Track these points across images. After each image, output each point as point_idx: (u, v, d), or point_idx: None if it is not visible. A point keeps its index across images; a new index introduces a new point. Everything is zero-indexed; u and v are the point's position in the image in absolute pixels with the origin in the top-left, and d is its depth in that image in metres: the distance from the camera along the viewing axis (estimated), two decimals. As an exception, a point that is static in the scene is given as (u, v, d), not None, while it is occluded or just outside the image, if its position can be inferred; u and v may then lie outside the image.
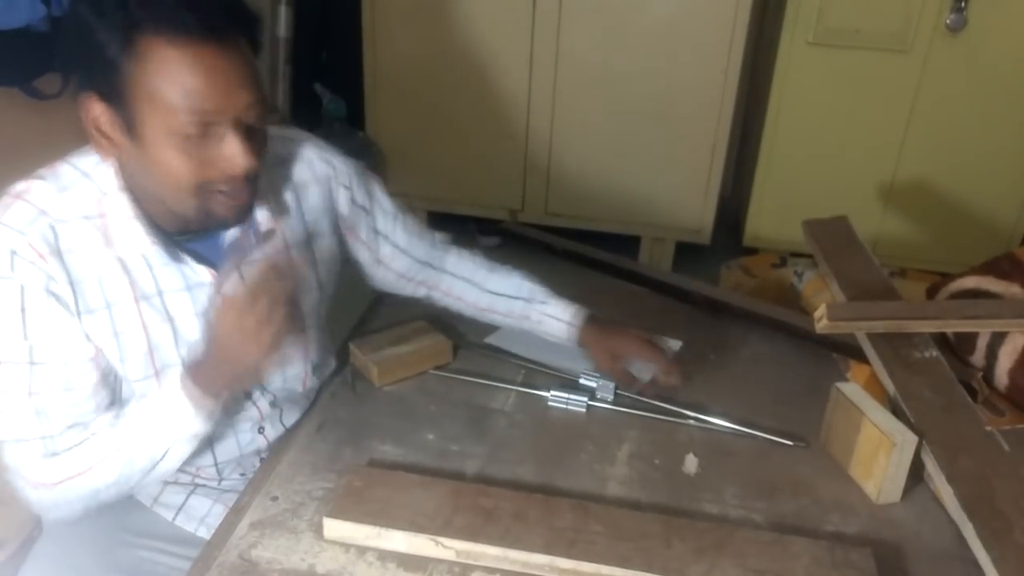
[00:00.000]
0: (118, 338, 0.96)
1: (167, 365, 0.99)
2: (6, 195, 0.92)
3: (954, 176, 2.72)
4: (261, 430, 1.13)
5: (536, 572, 0.92)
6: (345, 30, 3.10)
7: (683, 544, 0.94)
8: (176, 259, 0.96)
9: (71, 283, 0.91)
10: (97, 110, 0.87)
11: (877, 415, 1.08)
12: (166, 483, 1.12)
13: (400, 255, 1.26)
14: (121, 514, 1.10)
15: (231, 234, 0.99)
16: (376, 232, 1.22)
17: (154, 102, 0.84)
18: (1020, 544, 0.96)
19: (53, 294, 0.90)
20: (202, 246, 0.99)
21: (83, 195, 0.93)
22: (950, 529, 1.03)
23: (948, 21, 2.49)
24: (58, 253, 0.90)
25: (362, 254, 1.23)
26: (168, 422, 0.95)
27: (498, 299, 1.31)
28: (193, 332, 0.99)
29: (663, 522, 0.98)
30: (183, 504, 1.13)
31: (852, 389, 1.15)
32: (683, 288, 1.59)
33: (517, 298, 1.31)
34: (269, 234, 1.01)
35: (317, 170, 1.10)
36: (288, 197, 1.07)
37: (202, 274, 0.98)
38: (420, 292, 1.32)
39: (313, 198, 1.09)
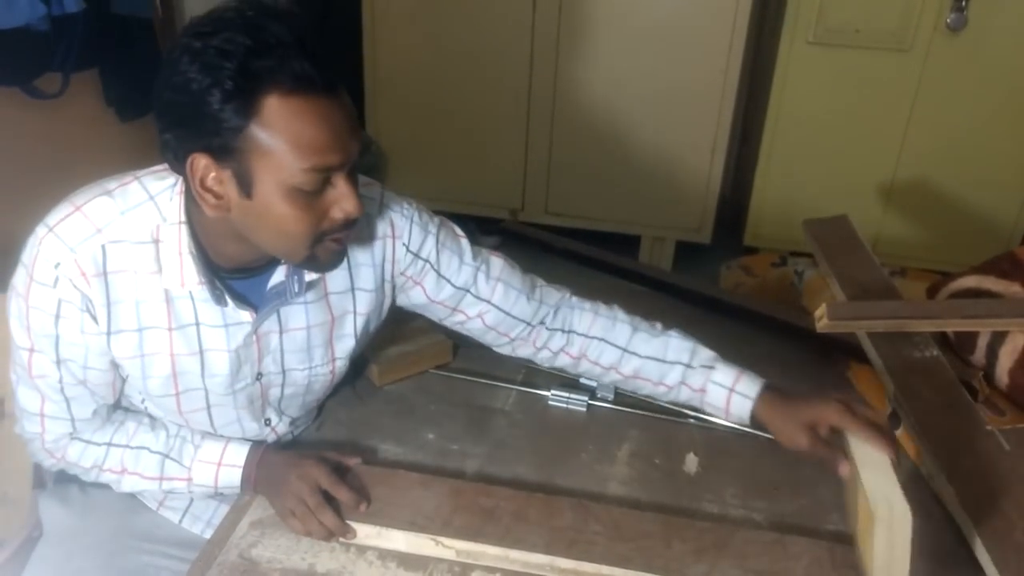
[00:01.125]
0: (143, 359, 0.97)
1: (189, 389, 1.01)
2: (69, 202, 0.92)
3: (954, 176, 2.72)
4: (279, 438, 1.14)
5: (536, 572, 0.92)
6: (345, 30, 3.10)
7: (683, 544, 0.94)
8: (219, 302, 0.95)
9: (107, 304, 0.92)
10: (204, 167, 0.84)
11: (873, 476, 0.85)
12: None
13: (492, 310, 1.12)
14: (125, 518, 1.10)
15: (276, 278, 0.98)
16: (451, 286, 1.10)
17: (274, 160, 0.82)
18: (1020, 544, 0.96)
19: (89, 312, 0.92)
20: (246, 286, 0.99)
21: (143, 220, 0.92)
22: (950, 529, 1.03)
23: (948, 21, 2.49)
24: (102, 275, 0.91)
25: (437, 311, 1.13)
26: (207, 473, 1.01)
27: (648, 363, 1.13)
28: (221, 366, 1.00)
29: (663, 522, 0.98)
30: (188, 506, 1.13)
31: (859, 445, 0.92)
32: (683, 288, 1.59)
33: (676, 363, 1.11)
34: (312, 283, 1.00)
35: (376, 230, 1.05)
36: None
37: (242, 316, 0.97)
38: (543, 357, 1.18)
39: (362, 253, 1.05)
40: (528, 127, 2.91)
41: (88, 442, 1.02)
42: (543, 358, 1.18)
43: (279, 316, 1.01)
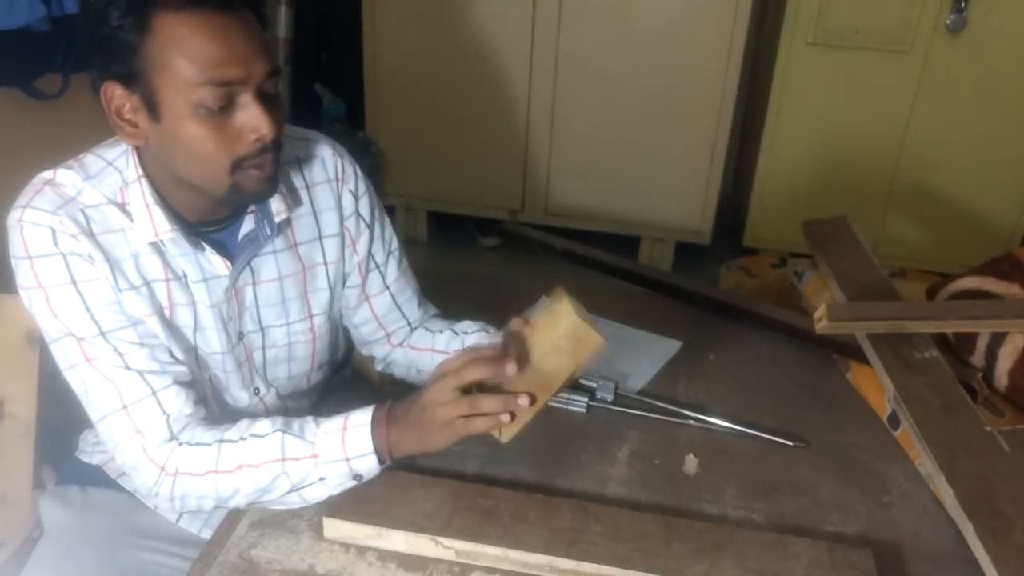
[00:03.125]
0: (159, 315, 0.96)
1: (188, 348, 1.00)
2: (34, 182, 0.93)
3: (954, 176, 2.72)
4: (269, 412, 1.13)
5: (536, 572, 0.92)
6: (345, 30, 3.10)
7: (683, 545, 0.94)
8: (196, 247, 0.96)
9: (108, 261, 0.92)
10: (118, 96, 0.87)
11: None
12: None
13: (384, 295, 1.15)
14: (124, 515, 1.10)
15: (246, 227, 1.00)
16: (370, 255, 1.13)
17: (174, 78, 0.84)
18: (1020, 544, 0.96)
19: (91, 263, 0.91)
20: (216, 239, 1.00)
21: (108, 183, 0.94)
22: (950, 529, 1.03)
23: (948, 21, 2.49)
24: (91, 235, 0.91)
25: (351, 277, 1.13)
26: (334, 442, 0.92)
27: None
28: (208, 319, 1.00)
29: (662, 522, 0.98)
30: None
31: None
32: (683, 288, 1.59)
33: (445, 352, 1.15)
34: (283, 225, 1.02)
35: (329, 170, 1.09)
36: (302, 194, 1.07)
37: (218, 265, 0.98)
38: (382, 351, 1.19)
39: (324, 197, 1.08)
40: (528, 127, 2.91)
41: (197, 444, 0.94)
42: (390, 359, 1.20)
43: (251, 268, 1.02)
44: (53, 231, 0.89)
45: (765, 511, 1.05)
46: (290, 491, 0.94)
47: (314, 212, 1.07)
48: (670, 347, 1.41)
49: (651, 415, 1.22)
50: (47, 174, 0.94)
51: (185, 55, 0.83)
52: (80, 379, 0.93)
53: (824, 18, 2.57)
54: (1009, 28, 2.48)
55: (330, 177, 1.09)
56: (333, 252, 1.09)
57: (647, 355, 1.38)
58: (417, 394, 0.94)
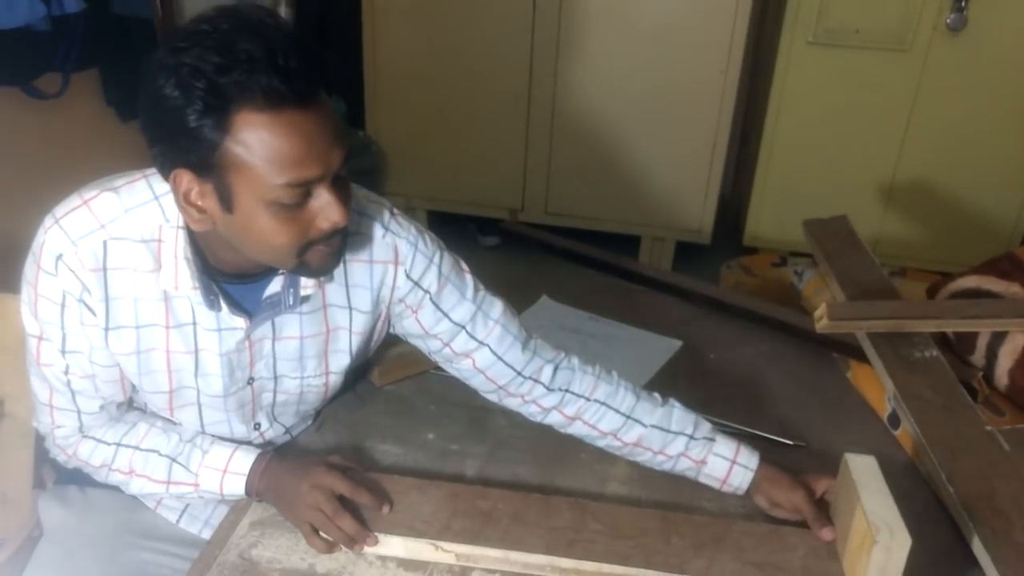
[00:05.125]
0: (139, 356, 0.97)
1: (183, 386, 1.01)
2: (77, 195, 0.93)
3: (954, 176, 2.72)
4: (269, 442, 1.14)
5: (537, 572, 0.92)
6: (345, 30, 3.10)
7: (682, 540, 0.95)
8: (213, 308, 0.96)
9: (106, 299, 0.93)
10: (187, 182, 0.84)
11: (873, 500, 0.89)
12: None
13: (482, 349, 1.07)
14: (124, 516, 1.10)
15: (272, 288, 0.98)
16: (449, 320, 1.06)
17: (252, 178, 0.82)
18: (1020, 544, 0.96)
19: (84, 303, 0.93)
20: (242, 291, 0.99)
21: (146, 218, 0.92)
22: (950, 529, 1.03)
23: (948, 21, 2.49)
24: (102, 270, 0.92)
25: (431, 343, 1.09)
26: (213, 480, 1.00)
27: (652, 432, 1.08)
28: (214, 367, 1.00)
29: (660, 518, 0.98)
30: (186, 506, 1.13)
31: (863, 463, 0.95)
32: (683, 288, 1.59)
33: (680, 434, 1.08)
34: (307, 298, 1.00)
35: (375, 254, 1.03)
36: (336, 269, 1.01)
37: (236, 321, 0.98)
38: (531, 411, 1.12)
39: (360, 274, 1.04)
40: (528, 127, 2.91)
41: (99, 441, 1.03)
42: (531, 412, 1.12)
43: (273, 324, 1.01)
44: (60, 257, 0.90)
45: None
46: (170, 498, 1.07)
47: (346, 285, 1.04)
48: (670, 347, 1.41)
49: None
50: (91, 191, 0.92)
51: (264, 157, 0.81)
52: (31, 367, 1.00)
53: (824, 17, 2.57)
54: (1009, 28, 2.48)
55: (373, 258, 1.03)
56: (359, 324, 1.06)
57: (647, 355, 1.38)
58: (304, 463, 1.00)
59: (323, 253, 0.90)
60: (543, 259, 1.80)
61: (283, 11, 3.24)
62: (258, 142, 0.80)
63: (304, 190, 0.84)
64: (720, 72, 2.69)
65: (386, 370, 1.25)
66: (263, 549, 0.94)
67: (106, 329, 0.94)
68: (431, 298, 1.05)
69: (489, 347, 1.07)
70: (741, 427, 1.19)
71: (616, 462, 1.13)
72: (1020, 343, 1.25)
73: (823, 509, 1.00)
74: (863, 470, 0.94)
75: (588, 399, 1.10)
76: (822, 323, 1.22)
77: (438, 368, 1.29)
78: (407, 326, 1.09)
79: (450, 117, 2.95)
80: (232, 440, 1.07)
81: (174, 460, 1.01)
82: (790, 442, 1.17)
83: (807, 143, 2.76)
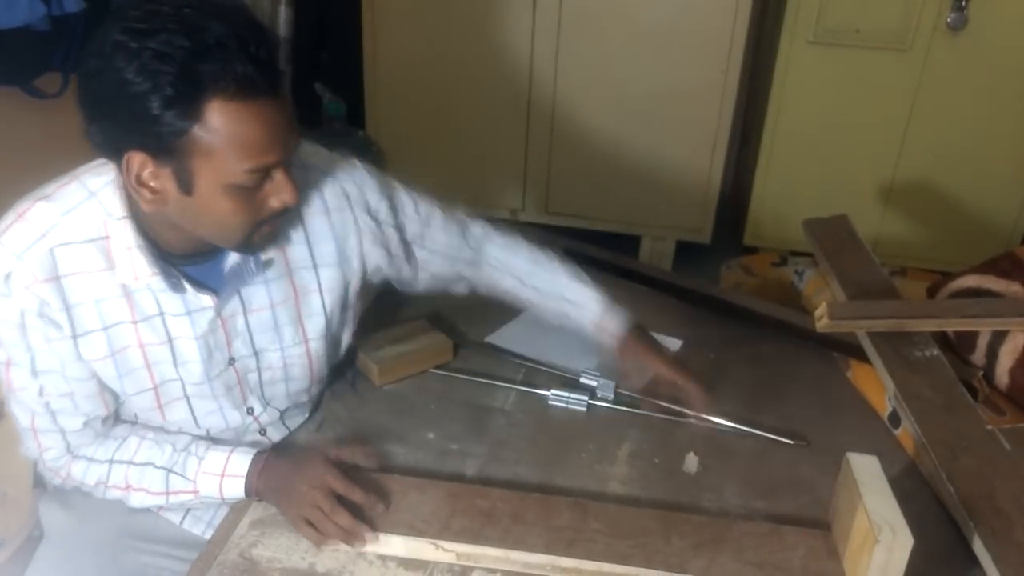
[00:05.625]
0: (115, 357, 0.96)
1: (166, 380, 1.00)
2: (12, 210, 0.91)
3: (954, 176, 2.72)
4: (263, 432, 1.13)
5: (537, 572, 0.92)
6: (345, 30, 3.09)
7: (681, 540, 0.95)
8: (177, 290, 0.95)
9: (66, 308, 0.92)
10: (140, 164, 0.84)
11: (875, 500, 0.90)
12: None
13: (436, 257, 1.19)
14: (125, 519, 1.09)
15: (232, 261, 0.98)
16: (406, 243, 1.16)
17: (217, 163, 0.83)
18: (1020, 544, 0.96)
19: (46, 317, 0.91)
20: (202, 271, 0.98)
21: (87, 218, 0.91)
22: (950, 529, 1.03)
23: (948, 20, 2.49)
24: (55, 279, 0.90)
25: (402, 270, 1.18)
26: (212, 485, 1.00)
27: (539, 295, 1.23)
28: (191, 353, 0.99)
29: (660, 518, 0.98)
30: (189, 508, 1.13)
31: (865, 463, 0.96)
32: (683, 287, 1.59)
33: (563, 299, 1.22)
34: (268, 263, 1.01)
35: (329, 203, 1.05)
36: (294, 223, 1.04)
37: (204, 301, 0.97)
38: (460, 288, 1.25)
39: (320, 227, 1.05)
40: (528, 127, 2.90)
41: (90, 459, 1.02)
42: (475, 290, 1.25)
43: (241, 297, 1.01)
44: (8, 276, 0.89)
45: (765, 509, 1.05)
46: (168, 506, 1.05)
47: (308, 242, 1.05)
48: (670, 346, 1.41)
49: (652, 414, 1.22)
50: (24, 204, 0.91)
51: (231, 144, 0.82)
52: (7, 395, 0.98)
53: (824, 17, 2.57)
54: (1009, 28, 2.48)
55: (328, 208, 1.05)
56: (329, 282, 1.07)
57: (647, 354, 1.38)
58: (302, 457, 1.00)
59: (267, 233, 0.93)
60: (543, 259, 1.79)
61: (283, 11, 3.25)
62: (227, 130, 0.81)
63: (264, 174, 0.86)
64: (720, 72, 2.69)
65: (387, 369, 1.25)
66: (263, 549, 0.94)
67: (74, 338, 0.93)
68: (389, 224, 1.12)
69: (439, 252, 1.19)
70: (741, 427, 1.19)
71: (616, 462, 1.13)
72: (1020, 342, 1.25)
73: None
74: (865, 470, 0.94)
75: (496, 268, 1.24)
76: (822, 323, 1.22)
77: (438, 367, 1.29)
78: (377, 258, 1.12)
79: (450, 117, 2.95)
80: (228, 429, 1.07)
81: (170, 470, 1.01)
82: (790, 442, 1.17)
83: (807, 143, 2.76)
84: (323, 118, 2.99)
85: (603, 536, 0.94)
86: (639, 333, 1.18)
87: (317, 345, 1.09)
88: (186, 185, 0.85)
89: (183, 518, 1.13)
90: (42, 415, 0.98)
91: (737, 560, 0.92)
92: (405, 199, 1.16)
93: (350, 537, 0.94)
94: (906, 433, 1.18)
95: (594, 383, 1.26)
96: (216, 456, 1.01)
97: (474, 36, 2.80)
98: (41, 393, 0.96)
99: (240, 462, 1.00)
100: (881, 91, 2.64)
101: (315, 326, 1.08)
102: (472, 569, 0.93)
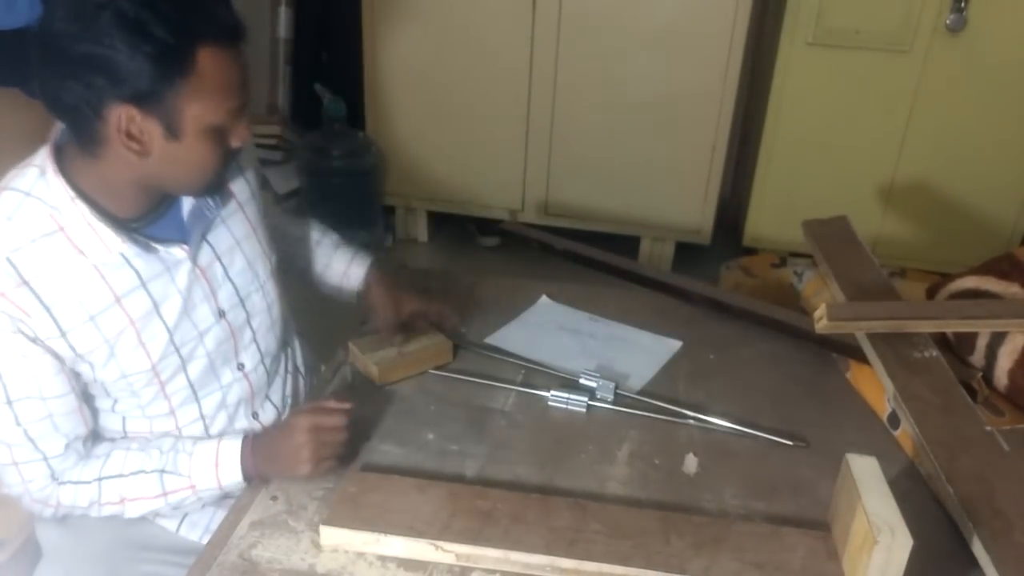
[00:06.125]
0: (108, 343, 0.96)
1: (165, 355, 1.01)
2: None
3: (954, 176, 2.72)
4: (255, 416, 1.15)
5: (537, 572, 0.92)
6: (345, 30, 3.10)
7: (681, 540, 0.95)
8: (148, 250, 0.97)
9: (46, 308, 0.91)
10: (127, 118, 0.87)
11: (875, 501, 0.90)
12: None
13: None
14: (122, 530, 1.09)
15: (188, 206, 1.02)
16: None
17: (205, 107, 0.88)
18: (1020, 544, 0.96)
19: (22, 332, 0.90)
20: (164, 226, 1.00)
21: (31, 217, 0.91)
22: (950, 529, 1.03)
23: (948, 21, 2.49)
24: (23, 284, 0.89)
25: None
26: (208, 475, 1.01)
27: (307, 240, 1.34)
28: (179, 311, 1.01)
29: (660, 518, 0.98)
30: (185, 514, 1.13)
31: (864, 463, 0.96)
32: (683, 288, 1.59)
33: (320, 263, 1.33)
34: (227, 197, 1.06)
35: None
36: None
37: (177, 253, 1.00)
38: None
39: (245, 154, 1.10)
40: (528, 127, 2.91)
41: (77, 483, 1.01)
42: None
43: (209, 243, 1.04)
44: None
45: (765, 510, 1.05)
46: (168, 510, 1.06)
47: (242, 173, 1.12)
48: (670, 347, 1.41)
49: (651, 415, 1.22)
50: None
51: (218, 87, 0.89)
52: None
53: (824, 18, 2.57)
54: (1009, 28, 2.48)
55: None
56: (261, 203, 1.16)
57: (647, 355, 1.38)
58: (280, 424, 1.08)
59: (223, 174, 1.00)
60: (543, 259, 1.79)
61: (283, 11, 3.25)
62: (216, 73, 0.87)
63: (238, 113, 0.93)
64: (720, 73, 2.69)
65: (386, 370, 1.25)
66: (263, 549, 0.94)
67: (63, 334, 0.92)
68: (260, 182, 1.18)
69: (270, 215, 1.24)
70: (741, 427, 1.19)
71: (616, 463, 1.13)
72: (1020, 343, 1.25)
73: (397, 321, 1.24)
74: (864, 470, 0.94)
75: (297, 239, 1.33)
76: (822, 323, 1.22)
77: (438, 368, 1.29)
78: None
79: (450, 117, 2.96)
80: (220, 388, 1.09)
81: (163, 471, 1.01)
82: (790, 442, 1.17)
83: (807, 143, 2.77)
84: (323, 119, 3.00)
85: (603, 536, 0.94)
86: (382, 274, 1.30)
87: (269, 289, 1.15)
88: (175, 131, 0.89)
89: (179, 525, 1.13)
90: (20, 446, 0.96)
91: (737, 560, 0.92)
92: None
93: (342, 447, 1.01)
94: (905, 434, 1.18)
95: (594, 384, 1.26)
96: (206, 447, 1.02)
97: (474, 37, 2.80)
98: (17, 422, 0.94)
99: (231, 447, 1.02)
100: (881, 92, 2.64)
101: (273, 253, 1.15)
102: (472, 570, 0.93)
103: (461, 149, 3.00)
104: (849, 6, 2.54)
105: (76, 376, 0.98)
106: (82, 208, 0.92)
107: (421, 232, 3.22)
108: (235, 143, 0.95)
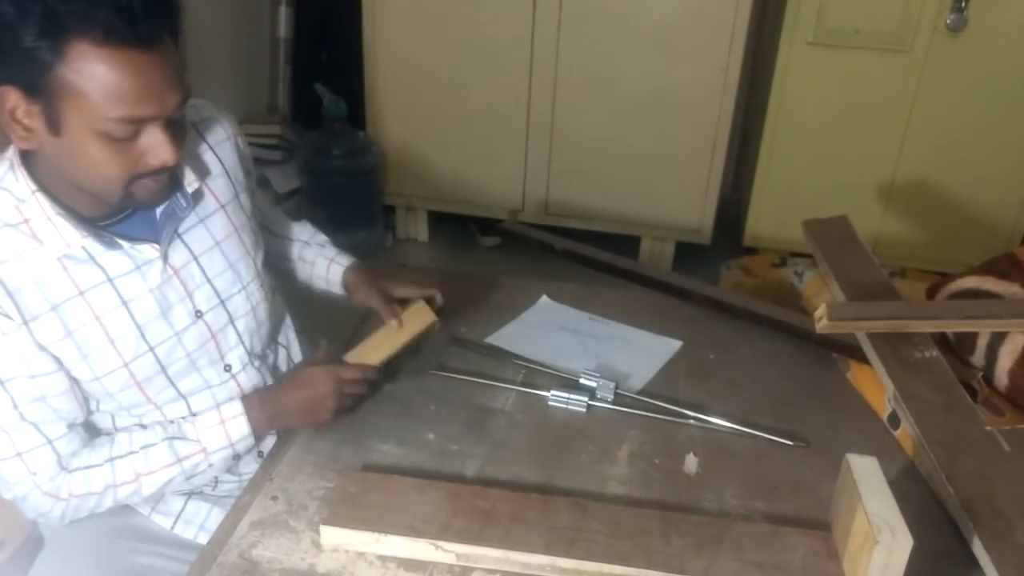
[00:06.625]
0: (73, 336, 0.95)
1: (137, 355, 0.99)
2: None
3: (954, 176, 2.72)
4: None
5: (537, 572, 0.92)
6: (345, 30, 3.10)
7: (682, 540, 0.95)
8: (112, 247, 0.96)
9: (8, 293, 0.90)
10: (15, 101, 0.84)
11: (875, 501, 0.89)
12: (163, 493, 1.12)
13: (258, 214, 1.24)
14: (120, 520, 1.10)
15: (161, 205, 1.00)
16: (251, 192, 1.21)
17: (83, 106, 0.83)
18: (1021, 545, 0.96)
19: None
20: (135, 225, 0.99)
21: None
22: (950, 529, 1.03)
23: (948, 21, 2.49)
24: None
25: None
26: (217, 435, 1.03)
27: (301, 264, 1.33)
28: (151, 310, 0.99)
29: (660, 518, 0.98)
30: (181, 511, 1.13)
31: (864, 463, 0.95)
32: (683, 288, 1.59)
33: (304, 262, 1.33)
34: (197, 194, 1.03)
35: (226, 128, 1.12)
36: (208, 158, 1.08)
37: (147, 252, 0.98)
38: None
39: (228, 154, 1.10)
40: (528, 127, 2.91)
41: (89, 467, 0.99)
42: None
43: (185, 244, 1.02)
44: None
45: (765, 510, 1.05)
46: (183, 482, 1.05)
47: (225, 172, 1.09)
48: (670, 347, 1.41)
49: (651, 415, 1.22)
50: None
51: (99, 90, 0.82)
52: None
53: (824, 18, 2.57)
54: (1009, 28, 2.48)
55: (229, 134, 1.12)
56: (248, 203, 1.14)
57: (647, 355, 1.38)
58: (290, 376, 1.12)
59: (150, 188, 0.93)
60: (543, 259, 1.79)
61: (283, 11, 3.25)
62: (93, 75, 0.82)
63: (136, 127, 0.87)
64: (720, 72, 2.69)
65: (371, 349, 1.19)
66: (263, 549, 0.94)
67: (26, 322, 0.91)
68: (249, 163, 1.17)
69: (264, 212, 1.27)
70: (741, 427, 1.19)
71: (616, 462, 1.13)
72: (1020, 343, 1.25)
73: (395, 305, 1.22)
74: (864, 470, 0.94)
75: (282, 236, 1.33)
76: (822, 323, 1.22)
77: (438, 368, 1.29)
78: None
79: (450, 117, 2.96)
80: (208, 389, 1.08)
81: (172, 439, 1.02)
82: (790, 442, 1.17)
83: (807, 143, 2.77)
84: (323, 119, 3.00)
85: (603, 536, 0.94)
86: (360, 272, 1.28)
87: (264, 275, 1.14)
88: (55, 126, 0.85)
89: (174, 523, 1.13)
90: (21, 430, 0.95)
91: (737, 560, 0.92)
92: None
93: (364, 385, 1.11)
94: (905, 434, 1.18)
95: (594, 384, 1.26)
96: (208, 413, 1.05)
97: (474, 36, 2.81)
98: (14, 405, 0.93)
99: (233, 406, 1.05)
100: (881, 92, 2.64)
101: (259, 255, 1.14)
102: (472, 570, 0.93)
103: (461, 149, 3.00)
104: (849, 6, 2.54)
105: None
106: (42, 201, 0.92)
107: (421, 232, 3.22)
108: (152, 161, 0.89)
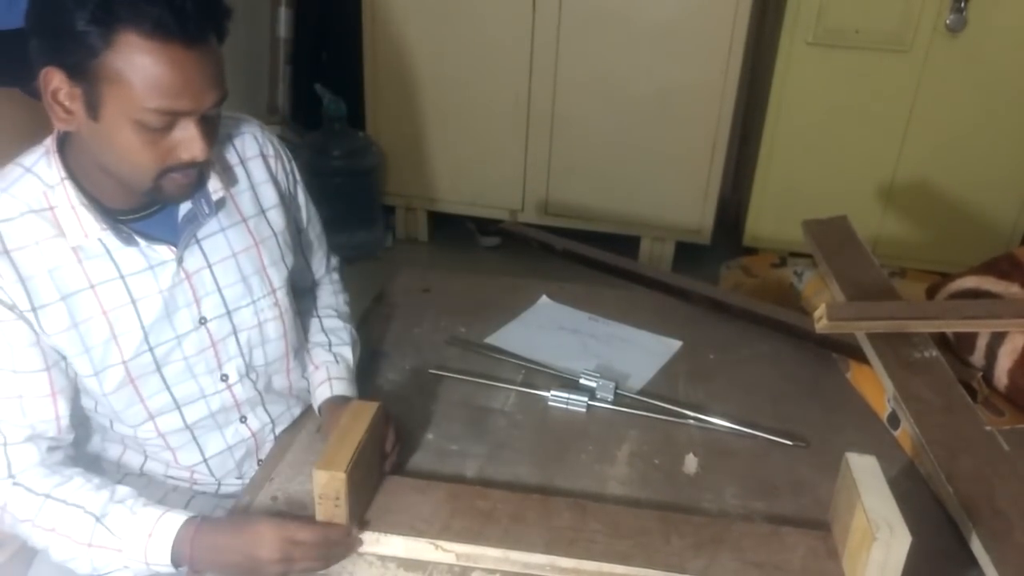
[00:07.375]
0: (78, 328, 0.95)
1: (138, 353, 0.99)
2: None
3: (954, 176, 2.72)
4: (243, 419, 1.12)
5: (537, 572, 0.92)
6: (345, 30, 3.10)
7: (681, 540, 0.95)
8: (129, 243, 0.96)
9: (20, 280, 0.91)
10: (57, 81, 0.87)
11: (874, 500, 0.90)
12: (166, 491, 1.11)
13: (299, 259, 1.21)
14: None
15: (184, 208, 1.01)
16: (298, 224, 1.20)
17: (124, 94, 0.85)
18: (1020, 545, 0.96)
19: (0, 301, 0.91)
20: (155, 224, 1.00)
21: (27, 191, 0.93)
22: (949, 529, 1.03)
23: (948, 21, 2.49)
24: (4, 253, 0.91)
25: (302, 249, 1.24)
26: (137, 545, 0.91)
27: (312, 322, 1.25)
28: (157, 310, 0.99)
29: (660, 518, 0.98)
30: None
31: (864, 463, 0.96)
32: (683, 288, 1.59)
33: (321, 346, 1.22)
34: (221, 203, 1.03)
35: (261, 144, 1.11)
36: (237, 171, 1.08)
37: (163, 253, 0.99)
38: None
39: (259, 171, 1.10)
40: (528, 127, 2.91)
41: (28, 489, 0.94)
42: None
43: (202, 250, 1.03)
44: None
45: (765, 510, 1.05)
46: (89, 569, 0.93)
47: (252, 187, 1.09)
48: (670, 347, 1.41)
49: (651, 415, 1.22)
50: None
51: (141, 80, 0.84)
52: None
53: (824, 18, 2.57)
54: (1009, 28, 2.48)
55: (263, 152, 1.11)
56: (279, 222, 1.12)
57: (647, 355, 1.38)
58: (239, 523, 0.93)
59: (178, 182, 0.94)
60: (543, 259, 1.80)
61: (283, 11, 3.25)
62: (137, 65, 0.84)
63: (171, 119, 0.88)
64: (720, 72, 2.69)
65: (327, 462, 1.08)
66: (263, 549, 0.94)
67: (33, 310, 0.92)
68: (293, 198, 1.17)
69: (306, 258, 1.25)
70: (741, 427, 1.19)
71: (616, 463, 1.13)
72: (1020, 343, 1.25)
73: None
74: (864, 470, 0.94)
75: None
76: (822, 323, 1.22)
77: (438, 368, 1.29)
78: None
79: (450, 117, 2.96)
80: (203, 398, 1.06)
81: (99, 519, 0.92)
82: (790, 442, 1.17)
83: (807, 143, 2.77)
84: (323, 119, 3.00)
85: (603, 536, 0.94)
86: (334, 408, 1.12)
87: (283, 294, 1.12)
88: (94, 110, 0.87)
89: None
90: None
91: (737, 560, 0.92)
92: (304, 191, 1.21)
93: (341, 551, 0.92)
94: (905, 434, 1.18)
95: (594, 384, 1.26)
96: (149, 513, 0.93)
97: (474, 36, 2.81)
98: None
99: (171, 522, 0.91)
100: (881, 92, 2.64)
101: (279, 275, 1.11)
102: (472, 569, 0.93)
103: (461, 149, 3.00)
104: (849, 6, 2.54)
105: (54, 358, 0.96)
106: (69, 190, 0.93)
107: (421, 232, 3.22)
108: (183, 155, 0.90)
